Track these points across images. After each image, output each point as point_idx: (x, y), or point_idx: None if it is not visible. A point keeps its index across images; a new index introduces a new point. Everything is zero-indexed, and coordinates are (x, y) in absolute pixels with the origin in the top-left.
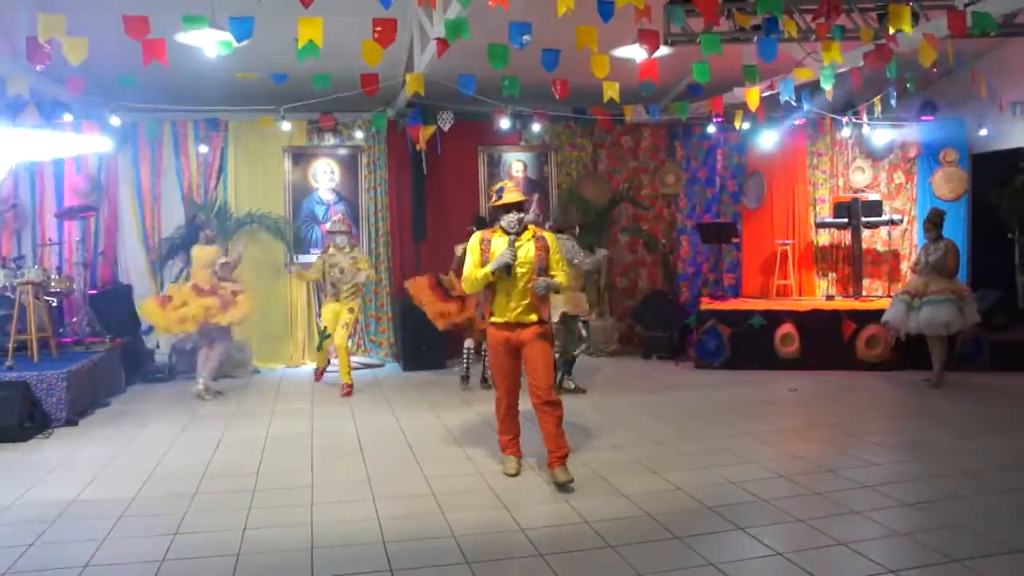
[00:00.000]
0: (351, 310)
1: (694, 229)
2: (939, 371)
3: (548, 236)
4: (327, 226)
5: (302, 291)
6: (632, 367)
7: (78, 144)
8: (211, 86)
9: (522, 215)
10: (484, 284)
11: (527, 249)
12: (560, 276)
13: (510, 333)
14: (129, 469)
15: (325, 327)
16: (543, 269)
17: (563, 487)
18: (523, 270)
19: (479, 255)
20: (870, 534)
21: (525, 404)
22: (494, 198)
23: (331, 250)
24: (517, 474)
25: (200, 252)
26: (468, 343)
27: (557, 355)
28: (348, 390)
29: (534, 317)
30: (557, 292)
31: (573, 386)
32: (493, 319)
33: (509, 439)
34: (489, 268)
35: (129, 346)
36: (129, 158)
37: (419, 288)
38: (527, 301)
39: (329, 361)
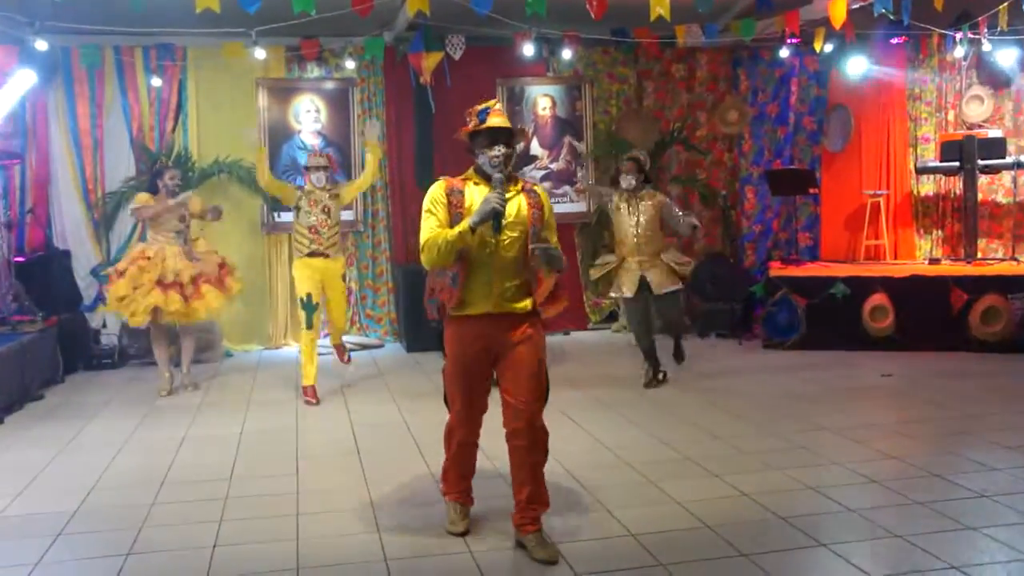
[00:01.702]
0: (344, 278)
1: (762, 178)
2: None
3: (540, 191)
4: (306, 161)
5: (283, 257)
6: (686, 347)
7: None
8: (162, 2)
9: (511, 152)
10: (455, 253)
11: (518, 205)
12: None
13: (492, 330)
14: (69, 476)
15: (309, 294)
16: (536, 235)
17: (544, 561)
18: (514, 234)
19: (445, 212)
20: (991, 556)
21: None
22: (472, 122)
23: (308, 187)
24: (466, 532)
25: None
26: None
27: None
28: (348, 356)
29: (526, 304)
30: (559, 271)
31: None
32: (463, 311)
33: (458, 479)
34: (467, 223)
35: (68, 325)
36: (62, 93)
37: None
38: (518, 280)
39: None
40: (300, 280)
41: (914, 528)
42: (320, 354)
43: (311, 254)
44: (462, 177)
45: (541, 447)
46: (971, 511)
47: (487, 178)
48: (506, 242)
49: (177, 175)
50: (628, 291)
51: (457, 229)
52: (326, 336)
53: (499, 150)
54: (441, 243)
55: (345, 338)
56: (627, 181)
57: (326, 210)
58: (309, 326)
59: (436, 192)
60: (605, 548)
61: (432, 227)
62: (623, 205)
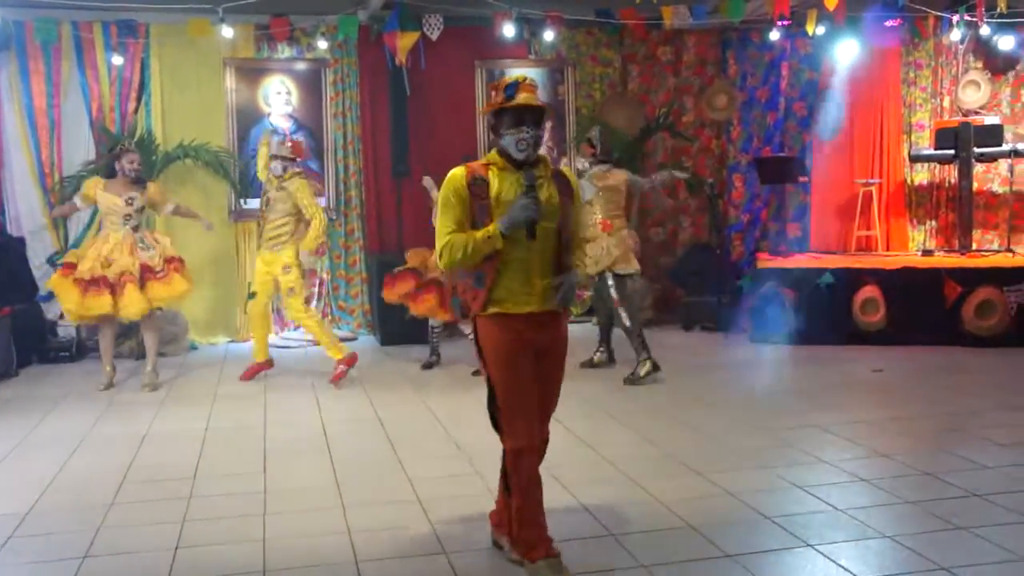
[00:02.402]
0: (287, 268)
1: (751, 165)
2: None
3: (568, 174)
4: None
5: (251, 246)
6: (669, 340)
7: None
8: None
9: (540, 133)
10: (482, 256)
11: (549, 191)
12: (584, 246)
13: (537, 330)
14: (21, 475)
15: (250, 283)
16: (565, 225)
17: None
18: (551, 225)
19: (464, 206)
20: (982, 557)
21: None
22: (496, 97)
23: (269, 175)
24: None
25: (101, 191)
26: (434, 322)
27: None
28: (342, 370)
29: (561, 304)
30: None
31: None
32: (499, 310)
33: (543, 524)
34: (495, 228)
35: (22, 316)
36: (16, 71)
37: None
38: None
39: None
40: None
41: (904, 528)
42: (282, 347)
43: (259, 245)
44: (484, 161)
45: (542, 458)
46: (962, 511)
47: (513, 162)
48: (540, 236)
49: (137, 159)
50: (592, 270)
51: (483, 233)
52: (298, 328)
53: (527, 131)
54: (467, 247)
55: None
56: (580, 163)
57: (268, 202)
58: (244, 310)
59: (456, 182)
60: (584, 548)
61: (449, 226)
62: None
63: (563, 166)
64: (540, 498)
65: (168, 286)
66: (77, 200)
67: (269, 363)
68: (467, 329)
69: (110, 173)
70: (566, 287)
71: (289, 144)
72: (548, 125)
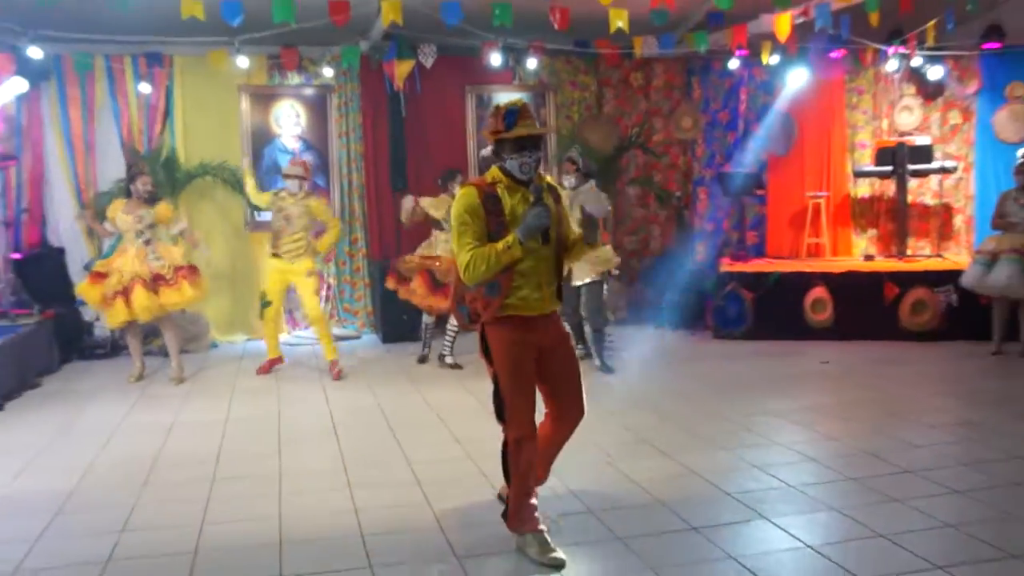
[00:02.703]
0: (309, 273)
1: (713, 180)
2: None
3: (555, 183)
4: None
5: (265, 254)
6: (642, 337)
7: None
8: (151, 12)
9: (540, 155)
10: (503, 267)
11: (549, 201)
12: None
13: (542, 331)
14: (66, 458)
15: (263, 292)
16: (562, 230)
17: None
18: (555, 232)
19: (482, 222)
20: (914, 525)
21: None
22: (495, 125)
23: (283, 194)
24: (564, 564)
25: (120, 212)
26: (427, 319)
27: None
28: (338, 371)
29: (558, 305)
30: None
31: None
32: (512, 313)
33: (533, 507)
34: (514, 238)
35: (63, 318)
36: (55, 98)
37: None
38: (557, 283)
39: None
40: (265, 276)
41: (847, 502)
42: (295, 344)
43: (272, 255)
44: (488, 180)
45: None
46: (897, 485)
47: (517, 181)
48: (551, 241)
49: (150, 180)
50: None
51: (504, 243)
52: (307, 328)
53: (529, 156)
54: (491, 260)
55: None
56: (568, 181)
57: (287, 217)
58: (260, 317)
59: (470, 201)
60: (566, 524)
61: (470, 242)
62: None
63: (550, 178)
64: (534, 479)
65: (178, 292)
66: (107, 225)
67: (281, 359)
68: (451, 324)
69: (128, 193)
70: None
71: (300, 164)
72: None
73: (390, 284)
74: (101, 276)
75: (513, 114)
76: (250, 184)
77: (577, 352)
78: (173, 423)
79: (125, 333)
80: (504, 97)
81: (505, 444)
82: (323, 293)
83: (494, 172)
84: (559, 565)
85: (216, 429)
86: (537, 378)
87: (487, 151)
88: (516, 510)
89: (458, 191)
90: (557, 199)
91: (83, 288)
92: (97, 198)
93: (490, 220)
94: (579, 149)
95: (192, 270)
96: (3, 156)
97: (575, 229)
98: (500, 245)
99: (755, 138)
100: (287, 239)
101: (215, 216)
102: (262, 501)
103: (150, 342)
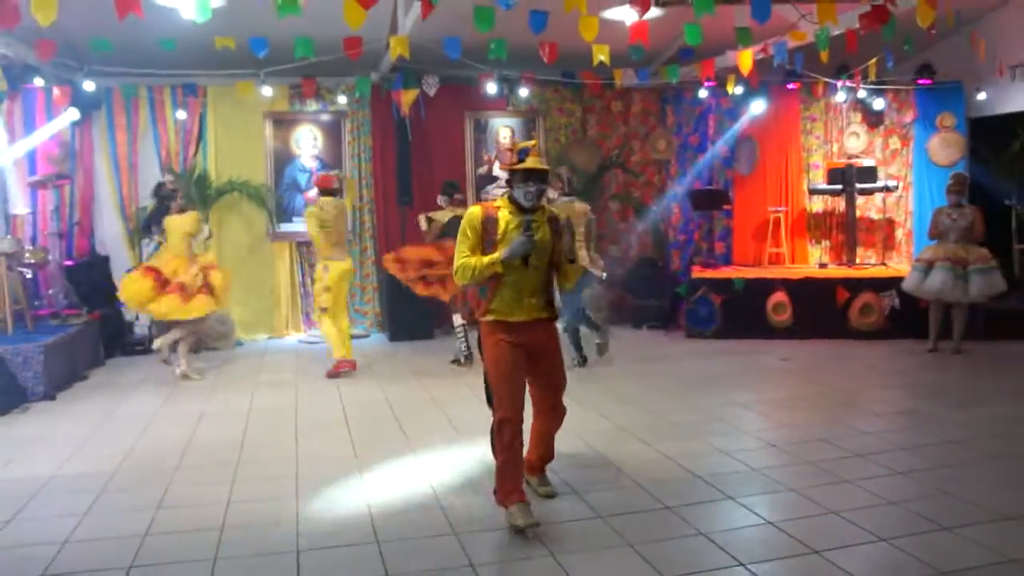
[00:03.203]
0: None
1: (685, 196)
2: (960, 337)
3: (559, 214)
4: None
5: (285, 260)
6: (622, 336)
7: (45, 130)
8: (188, 49)
9: (544, 188)
10: (486, 277)
11: (544, 232)
12: (572, 269)
13: (523, 336)
14: (109, 443)
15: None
16: (556, 258)
17: (548, 496)
18: (542, 260)
19: (477, 238)
20: (861, 503)
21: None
22: (511, 159)
23: (328, 207)
24: (538, 524)
25: (174, 222)
26: (457, 319)
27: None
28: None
29: (550, 312)
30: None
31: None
32: (495, 317)
33: (516, 477)
34: (499, 256)
35: (107, 318)
36: (104, 124)
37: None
38: (544, 295)
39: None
40: (336, 281)
41: (804, 482)
42: (312, 343)
43: (338, 258)
44: (496, 204)
45: (561, 422)
46: (848, 467)
47: (520, 207)
48: (533, 266)
49: (181, 199)
50: None
51: (488, 259)
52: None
53: (533, 187)
54: (475, 269)
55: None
56: (552, 194)
57: (343, 226)
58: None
59: (474, 219)
60: (552, 504)
61: (465, 252)
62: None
63: (559, 210)
64: (519, 458)
65: (206, 301)
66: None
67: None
68: (457, 322)
69: (165, 210)
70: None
71: (334, 175)
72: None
73: (389, 264)
74: (153, 271)
75: (525, 151)
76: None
77: (574, 362)
78: (202, 413)
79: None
80: (499, 121)
81: (493, 425)
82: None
83: (502, 200)
84: (535, 524)
85: (240, 418)
86: (527, 374)
87: (483, 170)
88: (501, 484)
89: (469, 207)
90: (558, 231)
91: (129, 280)
92: (138, 212)
93: (485, 237)
94: (568, 169)
95: (213, 279)
96: (58, 176)
97: (582, 250)
98: (486, 260)
99: (722, 159)
100: (343, 242)
101: (241, 227)
102: (281, 483)
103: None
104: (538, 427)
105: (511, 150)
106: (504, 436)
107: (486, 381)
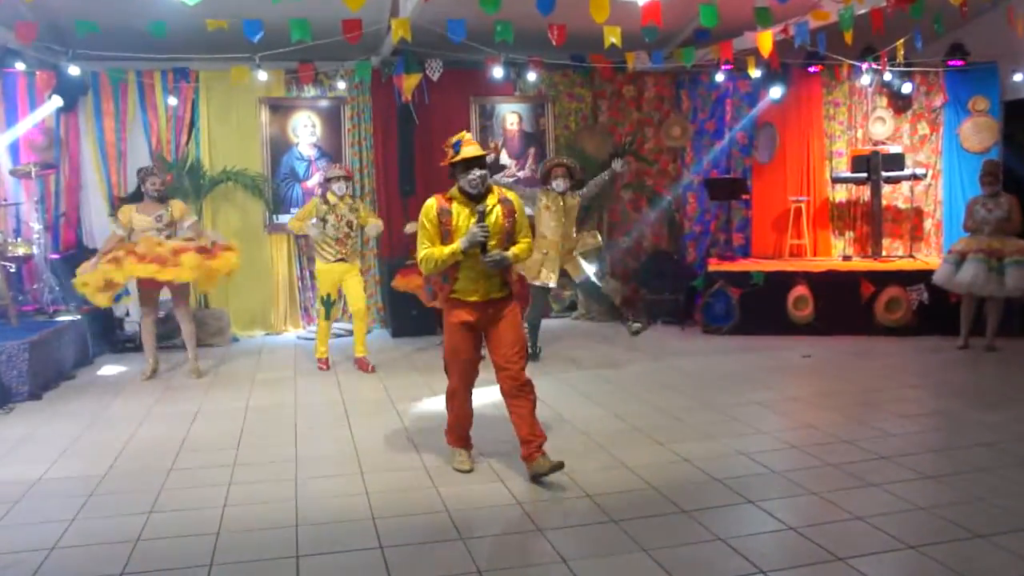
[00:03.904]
0: (362, 270)
1: (702, 185)
2: (994, 333)
3: (513, 197)
4: (325, 172)
5: (283, 254)
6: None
7: (29, 119)
8: (178, 32)
9: (485, 172)
10: (448, 265)
11: (496, 215)
12: (524, 244)
13: (480, 313)
14: (99, 445)
15: (328, 294)
16: (510, 236)
17: (551, 471)
18: (494, 241)
19: (435, 229)
20: (888, 508)
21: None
22: (449, 154)
23: (331, 199)
24: (472, 470)
25: (134, 213)
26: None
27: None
28: (372, 365)
29: (505, 291)
30: (508, 268)
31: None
32: (457, 296)
33: (462, 430)
34: (458, 246)
35: (96, 314)
36: (91, 111)
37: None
38: (499, 276)
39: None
40: (322, 283)
41: (826, 486)
42: (338, 335)
43: (337, 260)
44: (447, 196)
45: (528, 394)
46: (873, 470)
47: (469, 197)
48: (490, 249)
49: (158, 180)
50: (552, 281)
51: (449, 249)
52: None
53: (476, 173)
54: (437, 260)
55: (336, 325)
56: (559, 184)
57: (350, 224)
58: (327, 318)
59: (429, 212)
60: (564, 507)
61: (426, 243)
62: (551, 205)
63: (508, 191)
64: (466, 420)
65: (204, 259)
66: (117, 229)
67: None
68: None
69: (138, 196)
70: (494, 261)
71: (339, 165)
72: (532, 151)
73: (398, 283)
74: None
75: (459, 143)
76: (298, 225)
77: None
78: (197, 412)
79: (141, 325)
80: (506, 107)
81: (447, 389)
82: None
83: (453, 190)
84: (467, 471)
85: (236, 418)
86: (486, 341)
87: (490, 158)
88: (449, 432)
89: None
90: (511, 212)
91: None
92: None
93: (441, 228)
94: (579, 166)
95: (224, 246)
96: (43, 165)
97: (525, 238)
98: (448, 250)
99: (740, 146)
100: (351, 243)
101: (236, 219)
102: (279, 485)
103: (175, 335)
104: (513, 412)
105: (447, 145)
106: (455, 402)
107: (444, 356)
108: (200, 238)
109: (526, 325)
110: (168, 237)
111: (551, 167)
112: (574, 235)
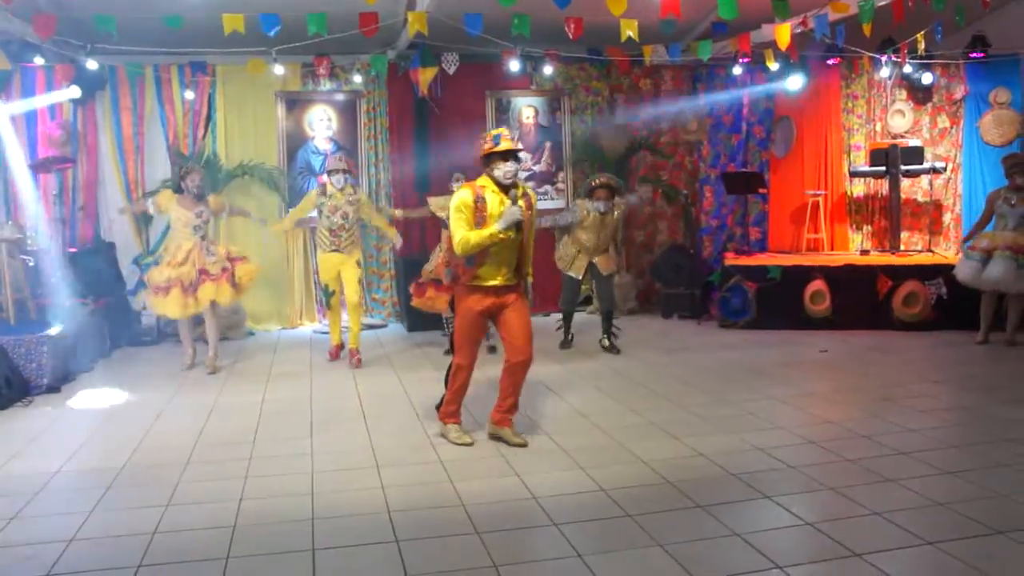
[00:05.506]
0: (359, 263)
1: (718, 179)
2: (1015, 328)
3: (531, 192)
4: (327, 164)
5: (299, 247)
6: (651, 327)
7: (45, 98)
8: (195, 26)
9: (519, 165)
10: (483, 247)
11: (521, 205)
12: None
13: (496, 298)
14: (116, 437)
15: (327, 284)
16: (528, 226)
17: (520, 445)
18: (521, 231)
19: (472, 214)
20: (906, 504)
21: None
22: (488, 144)
23: (329, 190)
24: (473, 443)
25: (175, 205)
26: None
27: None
28: (359, 359)
29: (516, 279)
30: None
31: (609, 344)
32: (479, 283)
33: (458, 407)
34: (497, 227)
35: (113, 307)
36: (108, 105)
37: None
38: (515, 262)
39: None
40: (321, 272)
41: (844, 481)
42: (325, 333)
43: (332, 251)
44: (480, 184)
45: (527, 367)
46: (892, 466)
47: (501, 187)
48: (513, 236)
49: (199, 178)
50: (577, 274)
51: (488, 231)
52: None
53: (512, 165)
54: (475, 242)
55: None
56: (604, 206)
57: (345, 215)
58: (328, 307)
59: (466, 198)
60: (580, 502)
61: (462, 226)
62: (590, 219)
63: (526, 186)
64: (462, 395)
65: (217, 288)
66: (150, 205)
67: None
68: (448, 313)
69: (178, 189)
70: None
71: (340, 158)
72: (547, 145)
73: (416, 302)
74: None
75: (498, 137)
76: (289, 221)
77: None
78: (214, 406)
79: (179, 322)
80: (522, 101)
81: (450, 366)
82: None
83: (483, 179)
84: (467, 444)
85: (253, 412)
86: (497, 326)
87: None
88: (445, 406)
89: (458, 188)
90: (529, 206)
91: (154, 302)
92: (145, 197)
93: (476, 215)
94: (614, 178)
95: (241, 261)
96: (61, 159)
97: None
98: (486, 232)
99: (757, 140)
100: (345, 235)
101: (252, 212)
102: (295, 479)
103: (199, 332)
104: (508, 377)
105: (484, 138)
106: (458, 378)
107: (452, 334)
108: (238, 214)
109: (561, 312)
110: (203, 237)
111: (595, 187)
112: (610, 246)
